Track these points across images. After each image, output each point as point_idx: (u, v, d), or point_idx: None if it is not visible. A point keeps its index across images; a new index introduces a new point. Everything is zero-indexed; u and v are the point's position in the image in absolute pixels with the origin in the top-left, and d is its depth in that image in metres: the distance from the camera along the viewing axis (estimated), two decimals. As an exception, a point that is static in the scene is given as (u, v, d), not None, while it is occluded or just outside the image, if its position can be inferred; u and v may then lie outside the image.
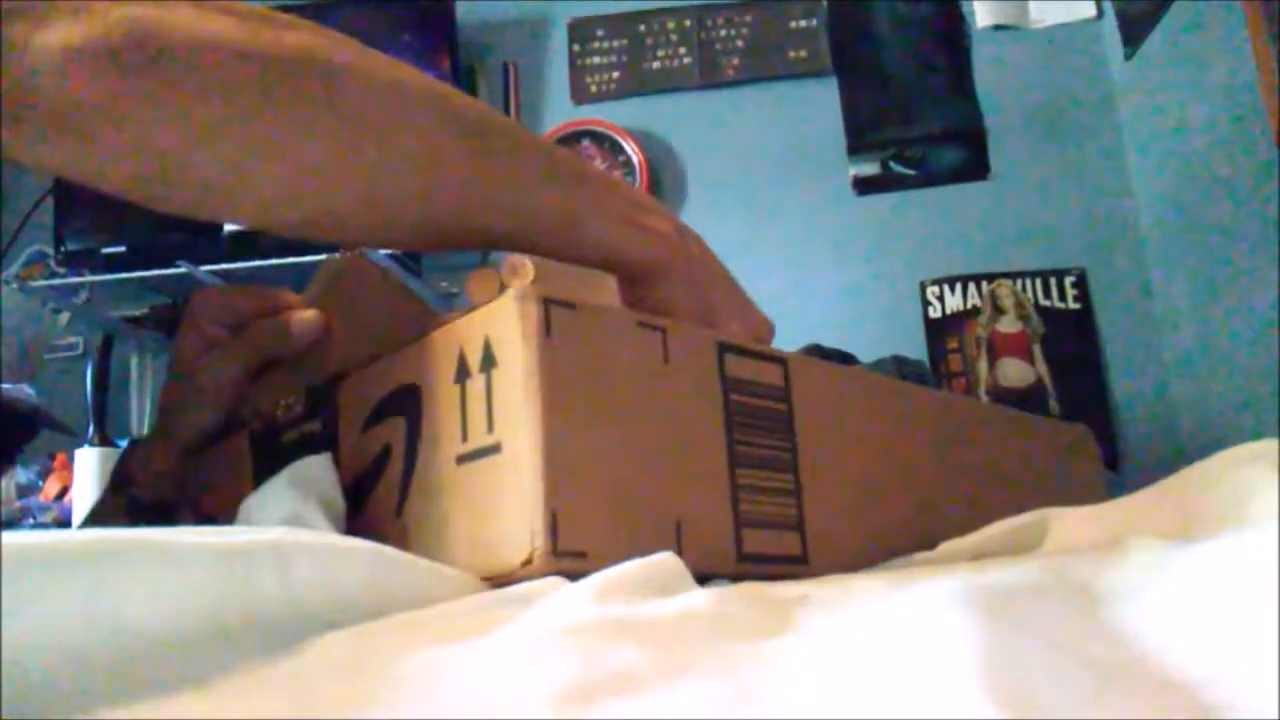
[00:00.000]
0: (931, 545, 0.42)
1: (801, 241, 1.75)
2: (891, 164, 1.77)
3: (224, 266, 1.60)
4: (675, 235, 0.46)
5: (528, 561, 0.31)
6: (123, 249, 1.69)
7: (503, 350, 0.34)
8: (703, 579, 0.33)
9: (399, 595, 0.28)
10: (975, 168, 1.75)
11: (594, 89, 1.84)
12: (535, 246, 0.45)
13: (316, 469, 0.40)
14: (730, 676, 0.21)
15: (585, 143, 1.77)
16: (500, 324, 0.34)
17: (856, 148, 1.77)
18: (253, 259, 1.61)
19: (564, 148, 0.43)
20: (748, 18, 1.83)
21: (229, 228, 1.65)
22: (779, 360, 0.41)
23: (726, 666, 0.21)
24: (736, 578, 0.36)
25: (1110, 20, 1.72)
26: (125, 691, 0.21)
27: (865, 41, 1.81)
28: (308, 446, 0.42)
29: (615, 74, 1.84)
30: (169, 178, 0.39)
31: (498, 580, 0.32)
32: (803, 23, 1.82)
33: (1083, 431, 0.65)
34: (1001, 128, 1.75)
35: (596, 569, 0.30)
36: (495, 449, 0.33)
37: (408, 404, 0.37)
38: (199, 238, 1.67)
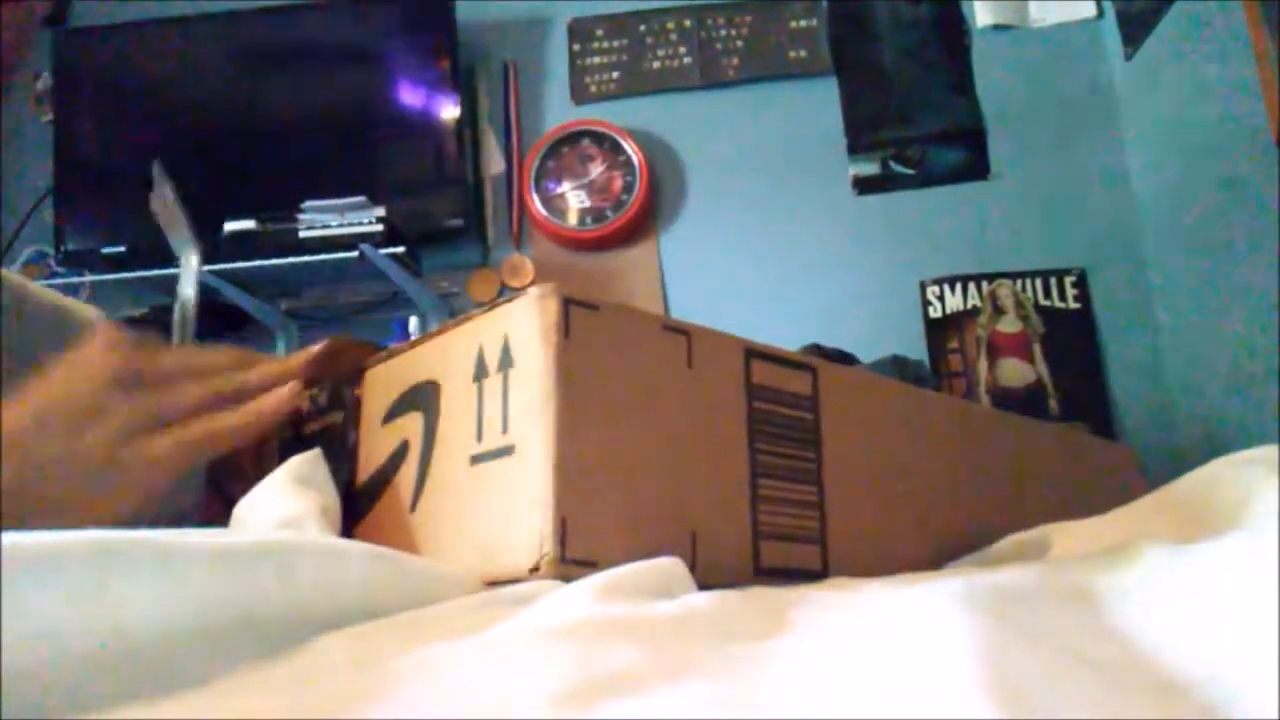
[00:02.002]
0: (950, 557, 0.42)
1: (801, 241, 1.75)
2: (891, 164, 1.77)
3: (224, 266, 1.60)
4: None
5: (535, 568, 0.31)
6: (123, 249, 1.69)
7: (521, 350, 0.33)
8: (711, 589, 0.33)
9: (397, 596, 0.28)
10: (975, 168, 1.75)
11: (594, 89, 1.84)
12: None
13: (309, 466, 0.40)
14: (730, 676, 0.21)
15: (585, 142, 1.77)
16: (519, 322, 0.33)
17: (856, 147, 1.77)
18: (253, 259, 1.60)
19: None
20: (748, 18, 1.83)
21: (229, 227, 1.65)
22: (809, 368, 0.40)
23: (726, 666, 0.21)
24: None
25: (1110, 20, 1.71)
26: (125, 691, 0.21)
27: (865, 41, 1.81)
28: (327, 438, 0.42)
29: (615, 74, 1.84)
30: None
31: (504, 583, 0.32)
32: (803, 23, 1.82)
33: (1126, 452, 0.62)
34: (1001, 128, 1.75)
35: None
36: (509, 451, 0.32)
37: (427, 400, 0.37)
38: (199, 238, 1.67)
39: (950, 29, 1.79)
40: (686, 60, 1.82)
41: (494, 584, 0.32)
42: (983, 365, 1.68)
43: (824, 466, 0.39)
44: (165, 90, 1.78)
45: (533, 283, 1.75)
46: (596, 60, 1.85)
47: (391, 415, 0.39)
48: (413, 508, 0.36)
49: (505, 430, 0.33)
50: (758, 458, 0.37)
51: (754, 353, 0.38)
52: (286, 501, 0.37)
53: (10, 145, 1.89)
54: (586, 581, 0.28)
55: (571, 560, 0.31)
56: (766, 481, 0.37)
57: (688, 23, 1.84)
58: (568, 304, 0.33)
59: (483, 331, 0.35)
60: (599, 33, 1.86)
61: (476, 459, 0.34)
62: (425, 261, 1.74)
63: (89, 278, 1.69)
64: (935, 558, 0.43)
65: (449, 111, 1.73)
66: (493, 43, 1.86)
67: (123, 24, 1.79)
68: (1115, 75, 1.73)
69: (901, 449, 0.46)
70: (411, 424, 0.37)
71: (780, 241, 1.76)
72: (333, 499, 0.39)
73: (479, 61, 1.86)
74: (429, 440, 0.36)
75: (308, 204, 1.62)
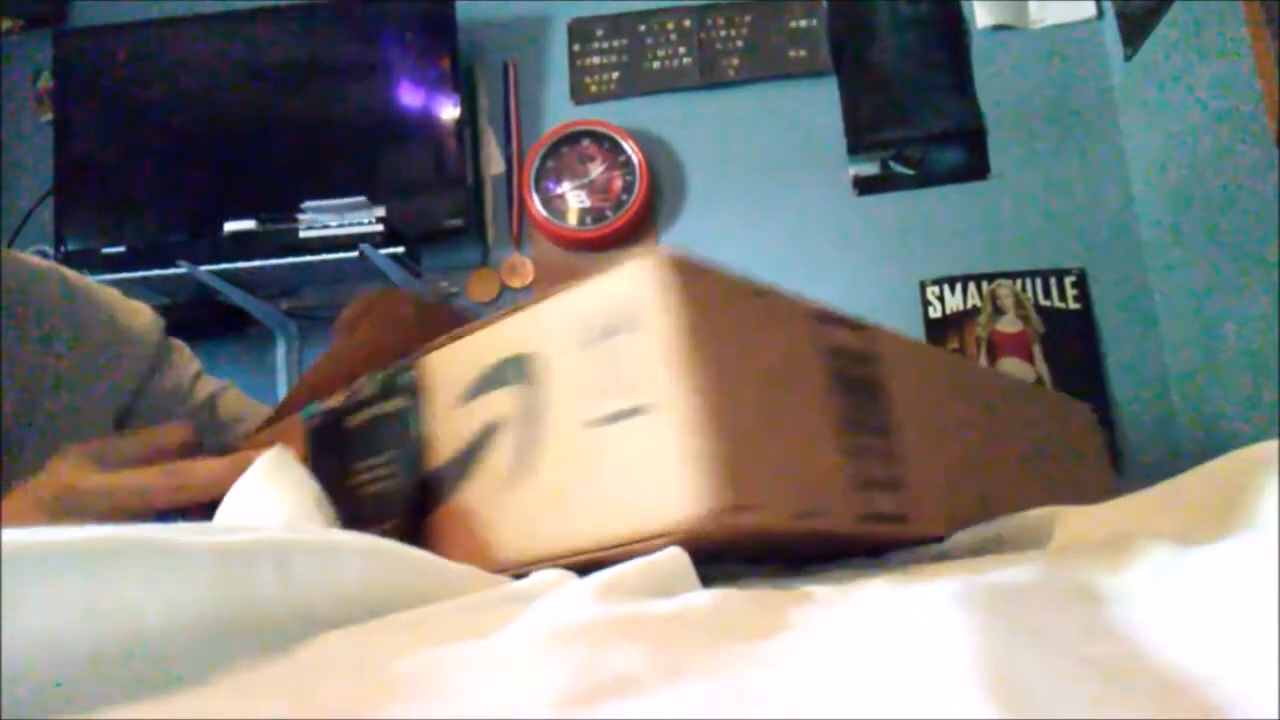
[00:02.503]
0: (985, 511, 0.43)
1: (801, 241, 1.75)
2: (891, 164, 1.77)
3: (224, 266, 1.60)
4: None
5: (705, 517, 0.31)
6: (123, 249, 1.69)
7: (642, 312, 0.33)
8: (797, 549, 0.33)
9: (399, 593, 0.28)
10: (975, 168, 1.75)
11: (594, 89, 1.84)
12: None
13: (282, 464, 0.40)
14: (730, 677, 0.21)
15: (585, 142, 1.77)
16: (638, 287, 0.33)
17: (856, 147, 1.77)
18: (253, 259, 1.60)
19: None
20: (747, 18, 1.83)
21: (229, 227, 1.65)
22: (865, 328, 0.42)
23: (726, 667, 0.21)
24: (851, 540, 0.36)
25: (1110, 20, 1.71)
26: (125, 691, 0.21)
27: (865, 41, 1.81)
28: (379, 428, 0.42)
29: (615, 74, 1.84)
30: None
31: (662, 538, 0.32)
32: (802, 22, 1.82)
33: (1087, 410, 0.67)
34: (1001, 128, 1.75)
35: (767, 524, 0.30)
36: (641, 410, 0.32)
37: (520, 373, 0.36)
38: (199, 238, 1.67)
39: (950, 29, 1.79)
40: (686, 60, 1.82)
41: (652, 539, 0.32)
42: (983, 365, 1.68)
43: (890, 418, 0.40)
44: (165, 90, 1.78)
45: (533, 283, 1.76)
46: (596, 60, 1.85)
47: (473, 395, 0.38)
48: (513, 483, 0.36)
49: (634, 391, 0.32)
50: (842, 411, 0.38)
51: (821, 315, 0.40)
52: (273, 500, 0.37)
53: (10, 145, 1.89)
54: (588, 580, 0.28)
55: (741, 506, 0.31)
56: (851, 434, 0.38)
57: (687, 23, 1.84)
58: (685, 265, 0.34)
59: (586, 299, 0.35)
60: (599, 33, 1.86)
61: (598, 422, 0.33)
62: (425, 261, 1.74)
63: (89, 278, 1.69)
64: (979, 505, 0.44)
65: (449, 111, 1.73)
66: (493, 43, 1.86)
67: (123, 24, 1.79)
68: (1115, 75, 1.73)
69: (953, 403, 0.49)
70: (501, 401, 0.37)
71: (780, 241, 1.76)
72: (317, 493, 0.39)
73: (479, 61, 1.86)
74: (530, 413, 0.36)
75: (308, 204, 1.62)
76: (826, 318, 0.41)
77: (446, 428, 0.39)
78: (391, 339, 0.48)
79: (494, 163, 1.82)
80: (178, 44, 1.77)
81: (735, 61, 1.81)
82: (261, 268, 1.60)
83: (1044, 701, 0.17)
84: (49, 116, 1.83)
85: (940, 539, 0.42)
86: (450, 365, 0.40)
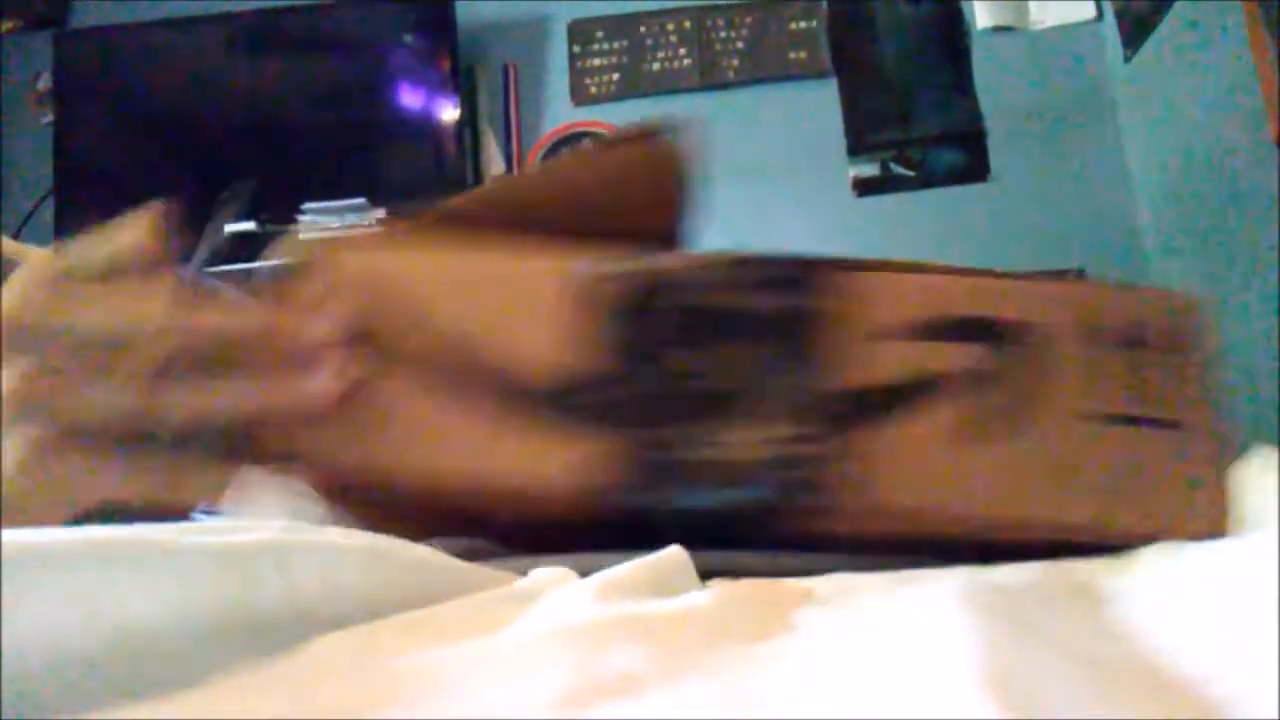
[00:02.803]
0: None
1: (802, 242, 1.75)
2: (891, 165, 1.77)
3: (225, 268, 1.60)
4: None
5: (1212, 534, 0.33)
6: (123, 250, 1.69)
7: (1180, 340, 0.35)
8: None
9: (399, 593, 0.28)
10: (975, 168, 1.75)
11: (594, 90, 1.84)
12: None
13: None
14: (731, 677, 0.21)
15: (585, 144, 1.77)
16: (1174, 318, 0.36)
17: (856, 149, 1.77)
18: (253, 260, 1.60)
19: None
20: (748, 19, 1.83)
21: (229, 228, 1.65)
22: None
23: (727, 667, 0.21)
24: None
25: (1110, 21, 1.71)
26: (125, 691, 0.21)
27: (865, 43, 1.81)
28: (758, 325, 0.38)
29: (615, 75, 1.84)
30: None
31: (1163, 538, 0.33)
32: (802, 24, 1.82)
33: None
34: (1001, 129, 1.75)
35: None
36: (1173, 425, 0.34)
37: (1002, 338, 0.36)
38: (199, 239, 1.67)
39: (950, 31, 1.79)
40: (686, 62, 1.82)
41: (1130, 536, 0.33)
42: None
43: None
44: (165, 90, 1.78)
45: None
46: (596, 61, 1.85)
47: (919, 335, 0.37)
48: (983, 441, 0.36)
49: (1167, 405, 0.35)
50: None
51: None
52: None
53: (10, 145, 1.89)
54: (589, 580, 0.28)
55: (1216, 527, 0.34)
56: None
57: (688, 24, 1.84)
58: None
59: (1106, 302, 0.37)
60: (599, 34, 1.86)
61: (1115, 419, 0.35)
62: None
63: None
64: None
65: (449, 112, 1.73)
66: (493, 44, 1.86)
67: (122, 24, 1.79)
68: (1115, 76, 1.73)
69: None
70: (960, 354, 0.36)
71: (781, 242, 1.74)
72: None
73: (479, 62, 1.86)
74: (1012, 378, 0.36)
75: (308, 205, 1.62)
76: None
77: (871, 354, 0.37)
78: (640, 193, 0.45)
79: (494, 164, 1.82)
80: (178, 44, 1.77)
81: (735, 63, 1.81)
82: (262, 269, 1.60)
83: (1045, 701, 0.17)
84: (49, 117, 1.83)
85: None
86: (905, 294, 0.38)
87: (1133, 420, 0.34)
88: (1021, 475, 0.35)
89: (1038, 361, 0.36)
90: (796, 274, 0.39)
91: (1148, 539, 0.32)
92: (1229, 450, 0.35)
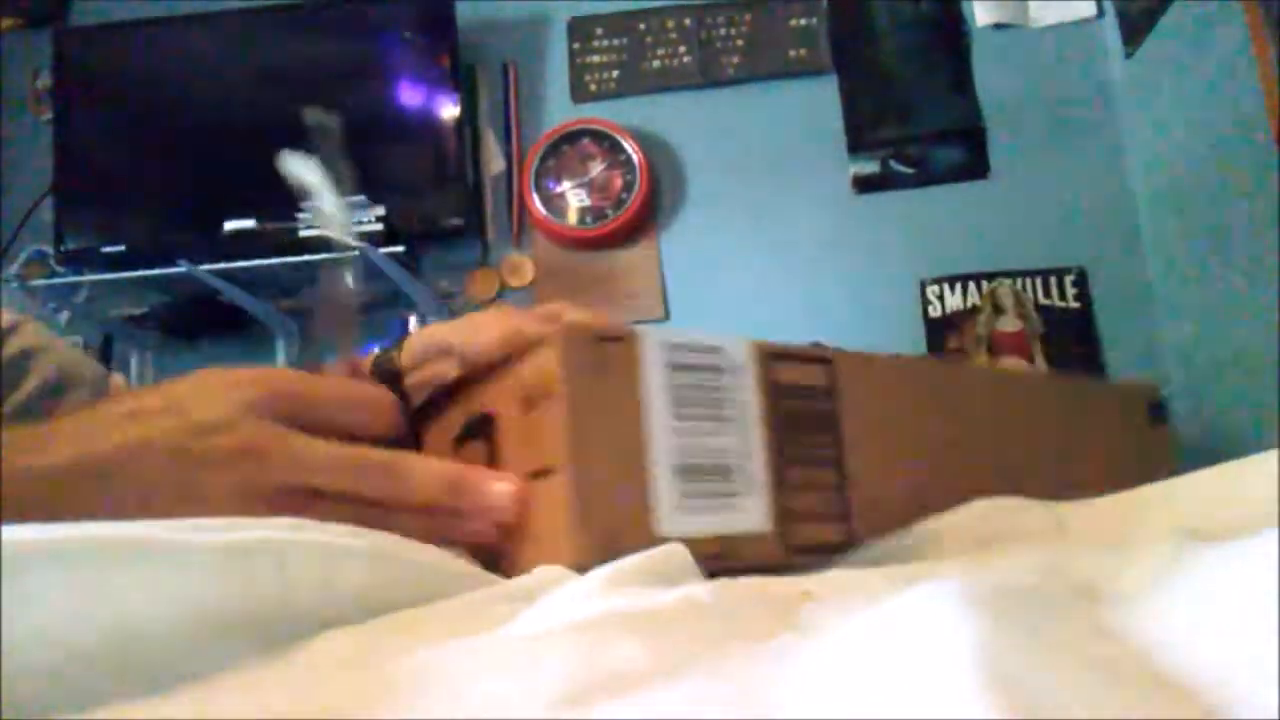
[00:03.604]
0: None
1: (801, 240, 1.75)
2: (891, 163, 1.76)
3: (224, 266, 1.60)
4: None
5: (583, 568, 0.33)
6: (122, 248, 1.69)
7: (550, 386, 0.37)
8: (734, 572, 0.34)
9: (399, 592, 0.28)
10: (975, 167, 1.75)
11: (594, 88, 1.84)
12: None
13: None
14: (730, 676, 0.21)
15: (585, 141, 1.77)
16: (545, 364, 0.37)
17: (856, 146, 1.77)
18: (252, 258, 1.60)
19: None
20: (747, 16, 1.83)
21: (229, 226, 1.65)
22: (825, 361, 0.43)
23: (727, 666, 0.21)
24: (778, 569, 0.37)
25: (1110, 20, 1.71)
26: (125, 690, 0.21)
27: (865, 40, 1.81)
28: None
29: (615, 73, 1.84)
30: None
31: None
32: (802, 21, 1.82)
33: (1138, 393, 0.66)
34: (1001, 127, 1.75)
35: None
36: (548, 472, 0.36)
37: (485, 429, 0.40)
38: (199, 237, 1.67)
39: (950, 28, 1.79)
40: (686, 59, 1.82)
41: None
42: (983, 364, 1.68)
43: (845, 449, 0.42)
44: (165, 88, 1.78)
45: (533, 282, 1.76)
46: (596, 59, 1.85)
47: (461, 440, 0.42)
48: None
49: (545, 455, 0.36)
50: (783, 448, 0.40)
51: (773, 354, 0.41)
52: None
53: (10, 145, 1.89)
54: (589, 576, 0.28)
55: (640, 545, 0.34)
56: (791, 468, 0.40)
57: (687, 21, 1.84)
58: (578, 341, 0.38)
59: (525, 371, 0.38)
60: (598, 31, 1.86)
61: (529, 477, 0.38)
62: (425, 261, 1.74)
63: (89, 277, 1.69)
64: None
65: (449, 111, 1.73)
66: (493, 42, 1.86)
67: (123, 24, 1.79)
68: (1115, 75, 1.73)
69: (929, 420, 0.49)
70: (477, 451, 0.41)
71: (780, 240, 1.76)
72: None
73: (479, 61, 1.86)
74: (494, 464, 0.40)
75: (308, 204, 1.62)
76: (778, 356, 0.42)
77: None
78: None
79: (494, 162, 1.82)
80: (178, 44, 1.77)
81: (735, 60, 1.81)
82: (261, 267, 1.60)
83: (1046, 702, 0.17)
84: (48, 116, 1.83)
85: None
86: None
87: (536, 474, 0.36)
88: (510, 544, 0.38)
89: (498, 443, 0.39)
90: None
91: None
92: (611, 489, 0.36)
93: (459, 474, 0.38)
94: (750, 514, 0.37)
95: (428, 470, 0.38)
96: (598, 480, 0.34)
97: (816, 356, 0.43)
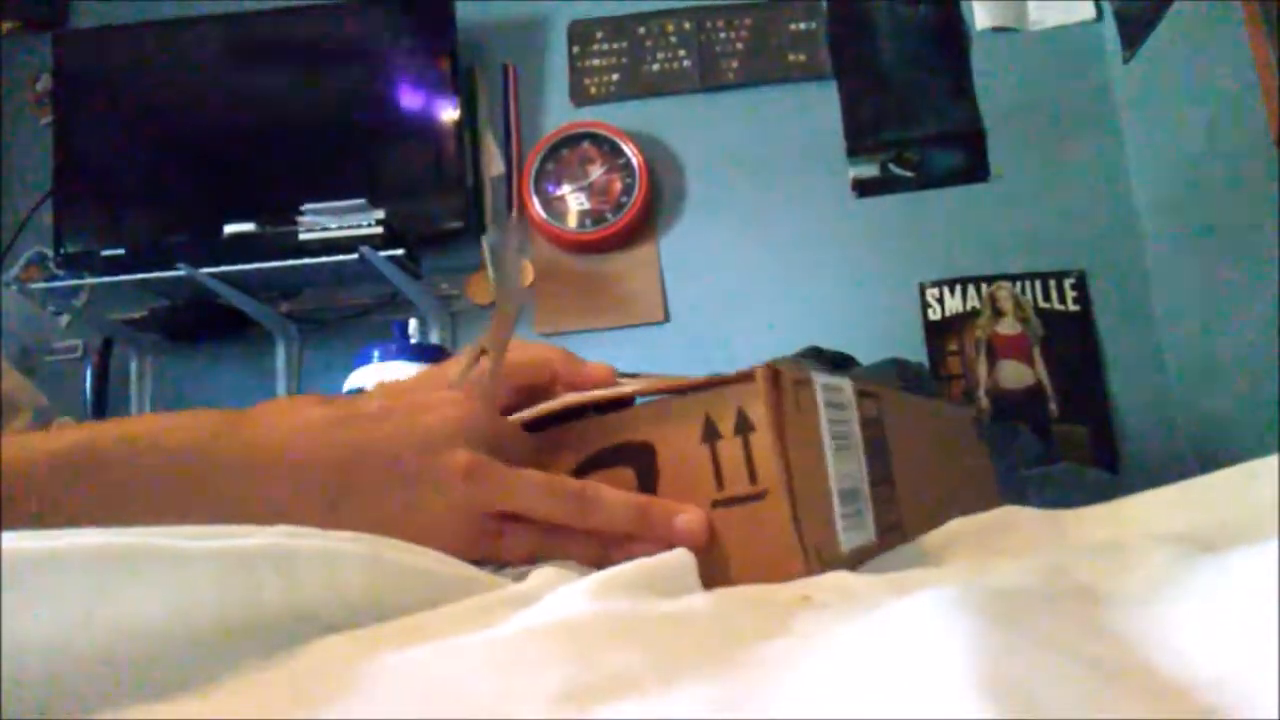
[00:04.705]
0: None
1: (801, 244, 1.75)
2: (891, 166, 1.77)
3: (224, 269, 1.60)
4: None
5: (804, 573, 0.37)
6: (122, 251, 1.69)
7: (759, 420, 0.39)
8: None
9: (400, 597, 0.28)
10: (975, 170, 1.75)
11: (593, 91, 1.84)
12: None
13: None
14: (728, 679, 0.21)
15: (585, 145, 1.77)
16: (750, 398, 0.40)
17: (856, 150, 1.77)
18: (252, 261, 1.61)
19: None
20: (747, 20, 1.83)
21: (229, 229, 1.65)
22: (878, 394, 0.49)
23: (724, 669, 0.21)
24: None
25: (1110, 22, 1.72)
26: (126, 692, 0.21)
27: (865, 44, 1.81)
28: None
29: (615, 76, 1.84)
30: None
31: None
32: (802, 25, 1.82)
33: (969, 417, 0.75)
34: (1001, 129, 1.75)
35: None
36: (759, 496, 0.39)
37: (639, 457, 0.43)
38: (199, 240, 1.68)
39: (949, 31, 1.79)
40: (686, 63, 1.83)
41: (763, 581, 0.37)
42: (982, 367, 1.68)
43: (893, 470, 0.48)
44: (165, 91, 1.78)
45: (532, 285, 1.76)
46: (596, 62, 1.85)
47: (586, 469, 0.44)
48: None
49: (754, 480, 0.39)
50: (872, 471, 0.46)
51: (859, 391, 0.47)
52: None
53: (10, 146, 1.89)
54: (586, 580, 0.28)
55: (825, 568, 0.38)
56: (873, 488, 0.46)
57: (687, 25, 1.84)
58: (791, 383, 0.41)
59: (709, 405, 0.41)
60: (598, 35, 1.86)
61: (719, 504, 0.40)
62: (425, 264, 1.75)
63: (88, 280, 1.69)
64: None
65: (449, 113, 1.73)
66: (493, 44, 1.86)
67: (123, 24, 1.79)
68: (1114, 77, 1.73)
69: (929, 454, 0.57)
70: (615, 478, 0.43)
71: (780, 244, 1.76)
72: None
73: (479, 63, 1.86)
74: (646, 490, 0.42)
75: (307, 206, 1.62)
76: (861, 392, 0.48)
77: None
78: None
79: (493, 165, 1.82)
80: (178, 45, 1.77)
81: (735, 64, 1.82)
82: (261, 270, 1.61)
83: (1044, 701, 0.17)
84: (48, 118, 1.83)
85: None
86: (562, 443, 0.46)
87: (730, 501, 0.40)
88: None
89: (659, 470, 0.42)
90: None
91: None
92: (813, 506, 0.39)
93: (647, 503, 0.41)
94: (869, 529, 0.43)
95: (618, 498, 0.41)
96: (803, 501, 0.38)
97: (873, 390, 0.49)
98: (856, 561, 0.41)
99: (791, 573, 0.37)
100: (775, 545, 0.38)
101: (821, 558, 0.38)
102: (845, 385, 0.45)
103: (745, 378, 0.39)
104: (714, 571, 0.39)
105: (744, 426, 0.39)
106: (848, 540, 0.41)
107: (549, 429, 0.46)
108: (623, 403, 0.46)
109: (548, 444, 0.45)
